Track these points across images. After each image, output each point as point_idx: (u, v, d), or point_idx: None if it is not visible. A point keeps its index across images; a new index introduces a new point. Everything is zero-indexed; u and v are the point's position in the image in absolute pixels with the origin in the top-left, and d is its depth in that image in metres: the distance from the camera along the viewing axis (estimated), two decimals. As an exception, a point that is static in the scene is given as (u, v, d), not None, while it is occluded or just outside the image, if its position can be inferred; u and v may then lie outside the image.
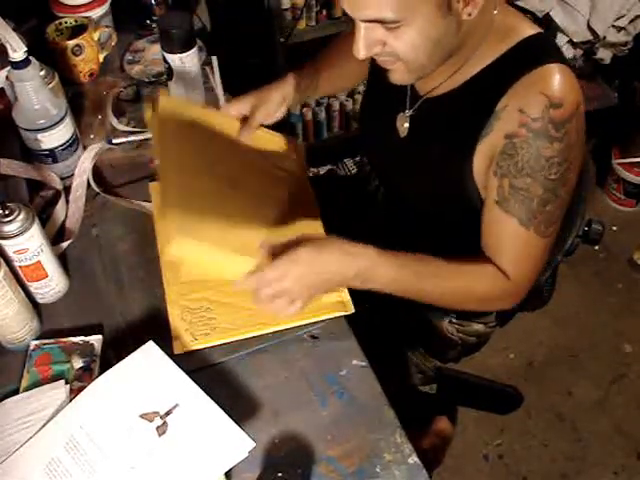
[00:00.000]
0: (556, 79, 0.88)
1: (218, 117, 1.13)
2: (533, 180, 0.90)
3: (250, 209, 1.03)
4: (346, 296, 1.00)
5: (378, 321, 1.21)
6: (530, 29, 0.93)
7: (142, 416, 0.86)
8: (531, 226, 0.93)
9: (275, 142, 1.19)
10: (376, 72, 1.09)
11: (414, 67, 0.90)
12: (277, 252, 0.90)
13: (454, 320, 1.23)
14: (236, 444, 0.82)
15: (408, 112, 1.04)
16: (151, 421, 0.85)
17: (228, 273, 0.93)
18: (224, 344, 0.96)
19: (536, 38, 0.93)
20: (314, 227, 1.06)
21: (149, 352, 0.91)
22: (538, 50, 0.92)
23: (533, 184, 0.90)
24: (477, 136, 0.94)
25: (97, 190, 1.17)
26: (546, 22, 2.07)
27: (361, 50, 0.87)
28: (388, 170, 1.15)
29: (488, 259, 0.98)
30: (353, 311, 0.99)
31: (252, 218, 1.01)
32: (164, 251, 0.94)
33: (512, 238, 0.95)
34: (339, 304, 0.99)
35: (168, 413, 0.86)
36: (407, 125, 1.05)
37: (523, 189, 0.91)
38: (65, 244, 1.10)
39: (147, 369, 0.89)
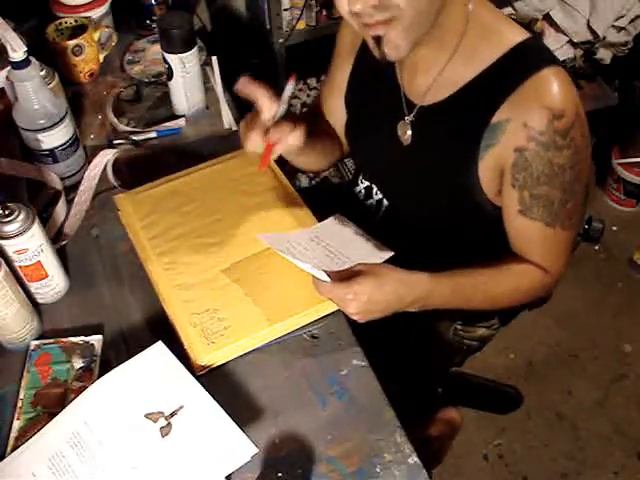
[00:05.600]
0: (554, 89, 0.89)
1: (183, 181, 1.14)
2: (550, 187, 0.93)
3: (257, 265, 1.03)
4: None
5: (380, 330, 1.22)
6: (517, 34, 0.93)
7: (147, 416, 0.86)
8: (556, 225, 0.97)
9: (240, 163, 1.17)
10: (363, 82, 1.10)
11: (410, 23, 0.85)
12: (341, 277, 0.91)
13: (459, 327, 1.24)
14: (239, 449, 0.83)
15: (408, 118, 1.03)
16: (155, 421, 0.85)
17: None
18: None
19: (526, 44, 0.92)
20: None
21: (158, 352, 0.91)
22: (531, 56, 0.92)
23: (551, 190, 0.94)
24: (477, 146, 0.94)
25: (115, 184, 1.18)
26: (547, 22, 2.07)
27: None
28: (391, 181, 1.13)
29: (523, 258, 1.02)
30: None
31: (265, 275, 1.02)
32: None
33: (541, 239, 0.99)
34: None
35: (173, 414, 0.86)
36: (410, 133, 1.04)
37: (543, 196, 0.94)
38: (62, 244, 1.10)
39: (155, 369, 0.90)
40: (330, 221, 1.03)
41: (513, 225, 1.00)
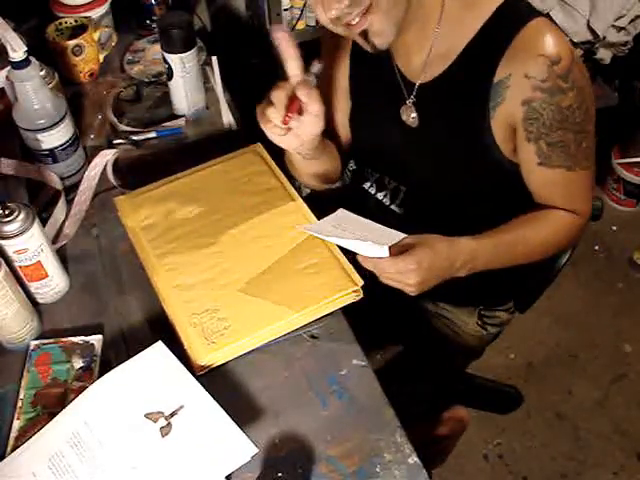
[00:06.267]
0: (546, 36, 0.92)
1: (182, 182, 1.14)
2: (564, 131, 0.96)
3: (260, 264, 1.03)
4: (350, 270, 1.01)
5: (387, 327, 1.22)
6: None
7: (147, 416, 0.86)
8: (576, 167, 1.00)
9: (239, 163, 1.17)
10: (362, 79, 1.11)
11: (388, 7, 0.89)
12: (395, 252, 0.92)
13: (482, 312, 1.25)
14: (239, 449, 0.82)
15: (410, 100, 1.05)
16: (155, 421, 0.85)
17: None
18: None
19: (508, 3, 0.96)
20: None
21: (158, 352, 0.91)
22: (516, 12, 0.95)
23: (565, 134, 0.96)
24: (485, 107, 0.97)
25: (115, 184, 1.18)
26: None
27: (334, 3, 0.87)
28: (405, 166, 1.13)
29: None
30: (362, 283, 0.99)
31: (269, 274, 1.02)
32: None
33: (564, 185, 1.02)
34: (348, 282, 0.99)
35: (173, 414, 0.86)
36: (414, 115, 1.05)
37: (559, 142, 0.97)
38: (62, 244, 1.10)
39: (155, 369, 0.90)
40: (339, 213, 1.04)
41: (535, 177, 1.02)
